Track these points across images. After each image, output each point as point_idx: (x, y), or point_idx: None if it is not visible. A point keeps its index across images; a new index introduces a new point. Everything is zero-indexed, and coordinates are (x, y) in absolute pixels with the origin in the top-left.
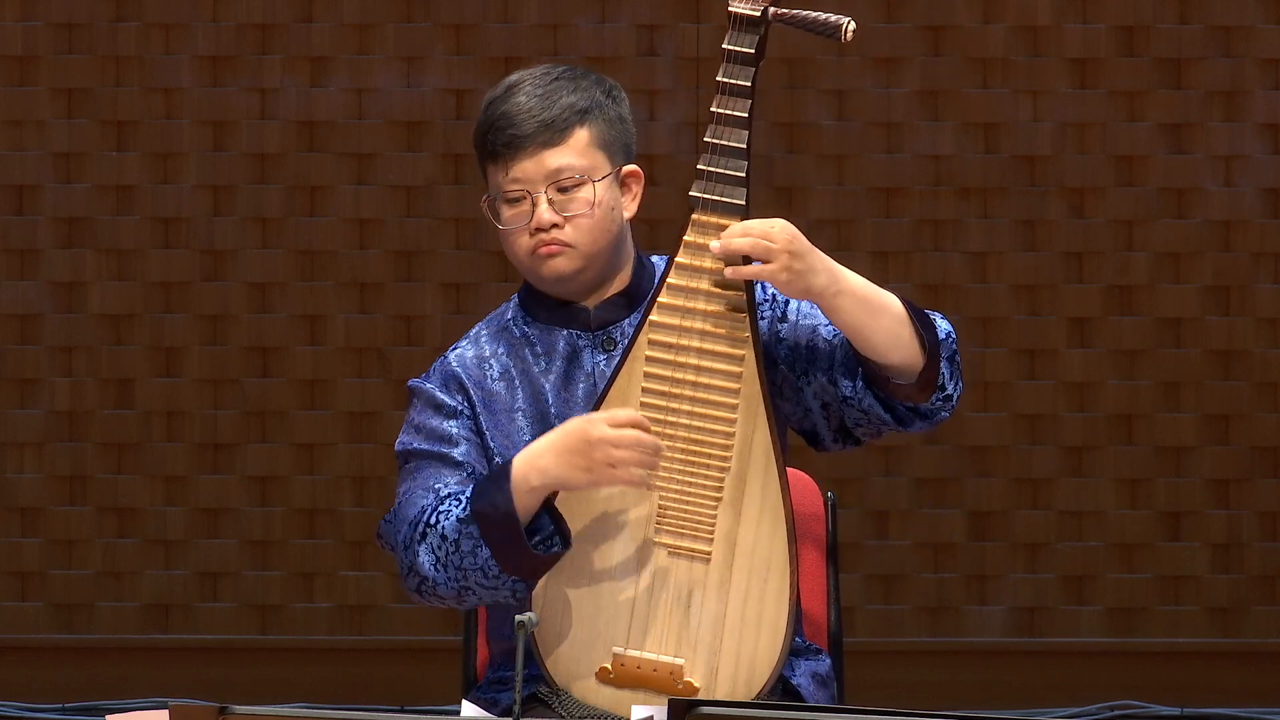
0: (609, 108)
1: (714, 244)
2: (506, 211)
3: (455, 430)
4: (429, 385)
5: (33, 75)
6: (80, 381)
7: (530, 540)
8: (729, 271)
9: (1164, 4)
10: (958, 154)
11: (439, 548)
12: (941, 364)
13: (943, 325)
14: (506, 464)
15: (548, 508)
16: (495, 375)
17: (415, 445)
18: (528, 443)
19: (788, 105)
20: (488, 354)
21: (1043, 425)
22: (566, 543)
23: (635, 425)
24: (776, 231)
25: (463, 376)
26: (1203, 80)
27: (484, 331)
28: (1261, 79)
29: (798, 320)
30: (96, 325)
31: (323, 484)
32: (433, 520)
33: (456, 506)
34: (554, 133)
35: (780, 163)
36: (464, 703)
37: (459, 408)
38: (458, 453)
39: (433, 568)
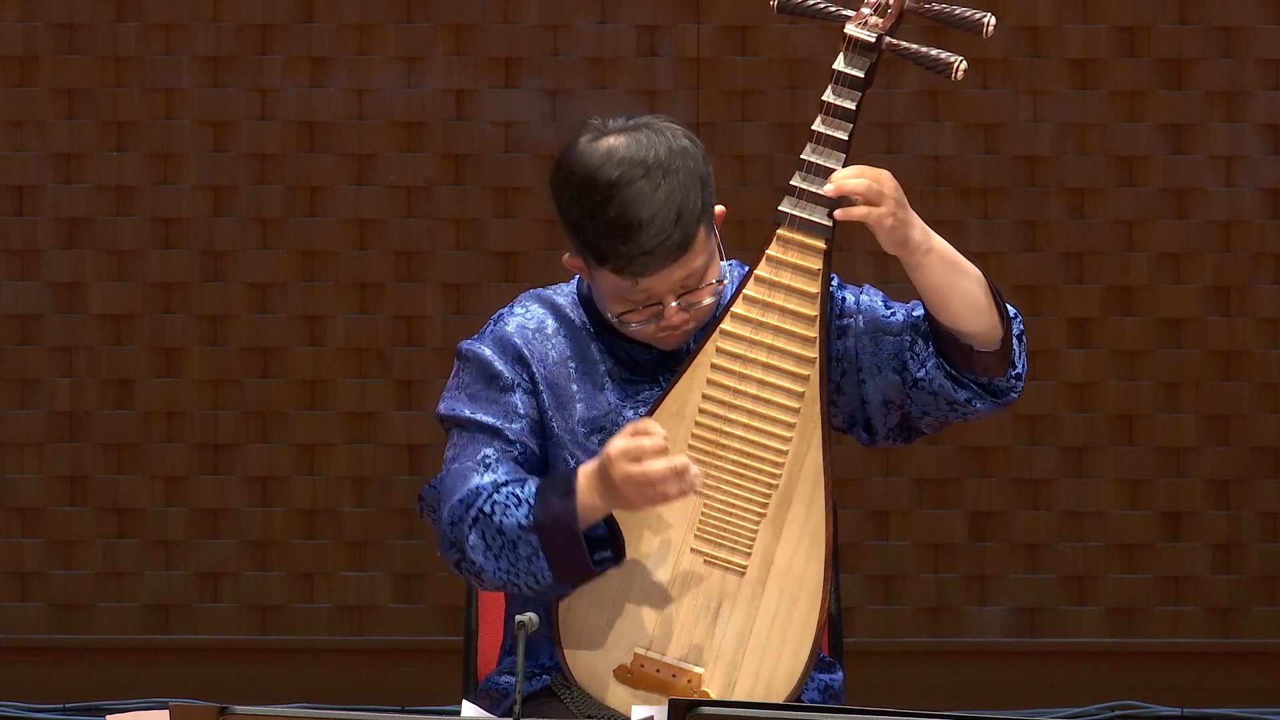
0: (707, 174)
1: (828, 187)
2: (628, 309)
3: (510, 403)
4: (484, 351)
5: (33, 75)
6: (80, 382)
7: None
8: (839, 213)
9: (1164, 4)
10: (958, 154)
11: (494, 541)
12: (1012, 339)
13: (1010, 307)
14: (571, 475)
15: (607, 520)
16: (556, 358)
17: (466, 413)
18: (583, 431)
19: (788, 105)
20: (550, 333)
21: (1043, 425)
22: (621, 555)
23: (641, 435)
24: (885, 178)
25: (524, 350)
26: (1203, 80)
27: (541, 308)
28: (1261, 79)
29: (859, 312)
30: (96, 325)
31: (323, 484)
32: (488, 508)
33: (516, 506)
34: (683, 250)
35: (781, 163)
36: (464, 703)
37: (517, 380)
38: (511, 430)
39: (483, 555)
